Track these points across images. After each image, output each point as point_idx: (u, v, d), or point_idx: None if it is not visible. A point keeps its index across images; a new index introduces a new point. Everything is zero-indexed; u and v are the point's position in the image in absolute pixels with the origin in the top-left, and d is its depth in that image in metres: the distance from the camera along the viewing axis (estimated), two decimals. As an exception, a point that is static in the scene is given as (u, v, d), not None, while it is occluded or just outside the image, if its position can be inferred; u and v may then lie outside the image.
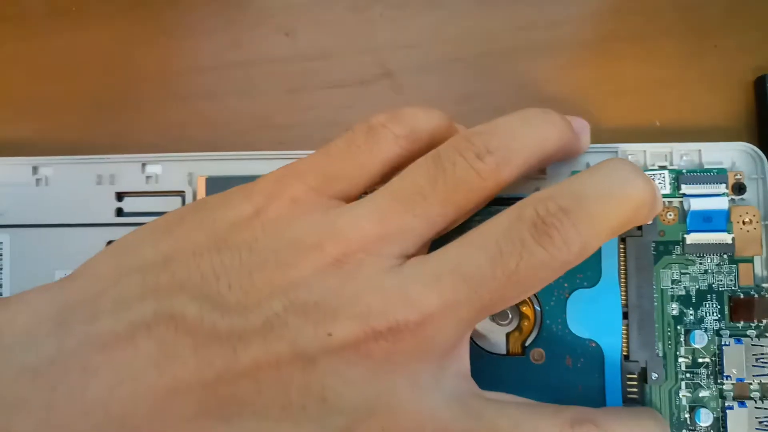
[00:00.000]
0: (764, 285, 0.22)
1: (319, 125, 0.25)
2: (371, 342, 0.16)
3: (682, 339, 0.22)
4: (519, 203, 0.17)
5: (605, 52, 0.25)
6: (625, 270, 0.22)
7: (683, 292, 0.22)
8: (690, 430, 0.22)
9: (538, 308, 0.22)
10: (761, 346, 0.22)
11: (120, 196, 0.24)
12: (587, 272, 0.22)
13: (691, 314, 0.22)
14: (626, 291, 0.22)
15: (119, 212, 0.24)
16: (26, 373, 0.16)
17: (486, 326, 0.22)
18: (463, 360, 0.18)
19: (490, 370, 0.22)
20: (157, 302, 0.17)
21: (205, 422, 0.16)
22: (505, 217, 0.17)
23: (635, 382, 0.22)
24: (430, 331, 0.16)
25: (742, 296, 0.22)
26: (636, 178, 0.17)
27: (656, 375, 0.22)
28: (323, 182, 0.18)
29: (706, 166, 0.23)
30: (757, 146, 0.23)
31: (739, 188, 0.23)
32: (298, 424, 0.16)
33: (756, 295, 0.22)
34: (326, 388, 0.16)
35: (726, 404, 0.22)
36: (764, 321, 0.22)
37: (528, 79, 0.25)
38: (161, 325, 0.17)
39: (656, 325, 0.22)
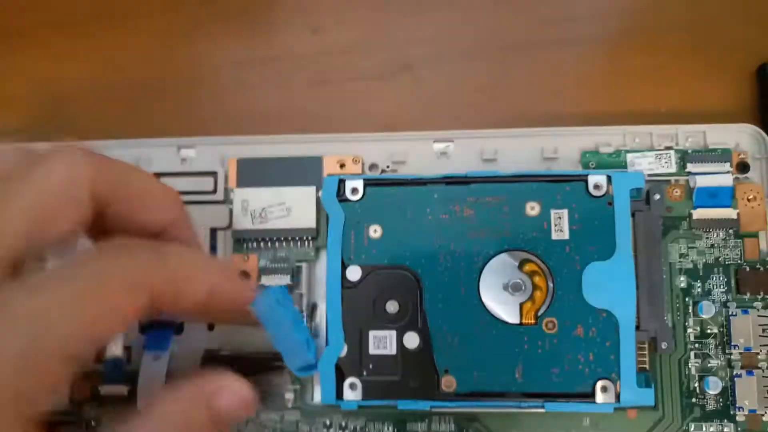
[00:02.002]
0: (769, 259, 0.23)
1: (341, 113, 0.27)
2: None
3: (690, 310, 0.23)
4: None
5: (614, 45, 0.27)
6: (635, 244, 0.23)
7: (691, 266, 0.23)
8: (699, 398, 0.23)
9: (551, 279, 0.23)
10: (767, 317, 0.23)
11: (157, 177, 0.26)
12: (600, 245, 0.22)
13: (698, 287, 0.23)
14: (636, 264, 0.23)
15: (156, 192, 0.26)
16: None
17: (500, 296, 0.23)
18: None
19: (504, 338, 0.23)
20: None
21: None
22: None
23: (645, 352, 0.23)
24: None
25: (748, 269, 0.23)
26: None
27: (666, 344, 0.22)
28: None
29: (711, 147, 0.24)
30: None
31: (743, 167, 0.24)
32: None
33: (762, 269, 0.23)
34: None
35: (734, 373, 0.22)
36: (770, 293, 0.23)
37: (540, 70, 0.27)
38: None
39: (665, 297, 0.23)
